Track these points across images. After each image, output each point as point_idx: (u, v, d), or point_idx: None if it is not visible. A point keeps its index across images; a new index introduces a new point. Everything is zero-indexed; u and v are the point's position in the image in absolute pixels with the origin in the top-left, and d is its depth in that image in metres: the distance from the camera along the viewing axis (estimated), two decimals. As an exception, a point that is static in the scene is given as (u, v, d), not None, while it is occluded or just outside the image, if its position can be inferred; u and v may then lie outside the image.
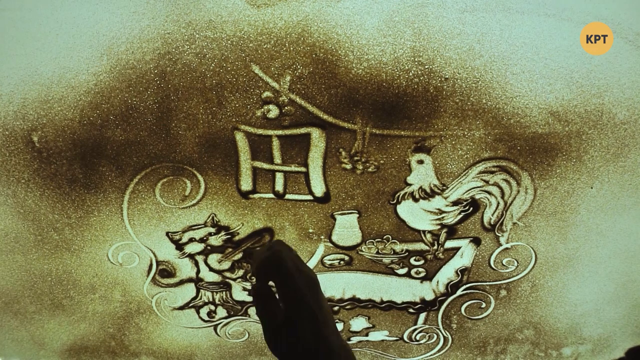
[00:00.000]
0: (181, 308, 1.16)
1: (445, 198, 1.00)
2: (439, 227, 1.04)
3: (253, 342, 1.23)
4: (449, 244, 1.06)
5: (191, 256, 1.08)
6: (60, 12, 0.83)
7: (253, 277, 0.58)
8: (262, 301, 0.55)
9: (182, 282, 1.12)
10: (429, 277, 1.11)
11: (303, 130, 0.92)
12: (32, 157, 0.95)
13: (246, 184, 0.98)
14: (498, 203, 1.00)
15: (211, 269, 1.10)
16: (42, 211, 1.01)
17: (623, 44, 0.85)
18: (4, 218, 1.02)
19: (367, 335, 1.21)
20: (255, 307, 0.56)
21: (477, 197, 1.00)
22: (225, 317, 1.18)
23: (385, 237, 1.05)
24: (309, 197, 1.00)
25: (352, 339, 1.22)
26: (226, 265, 1.10)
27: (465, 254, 1.07)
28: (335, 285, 1.12)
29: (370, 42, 0.85)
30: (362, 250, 1.07)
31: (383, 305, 1.15)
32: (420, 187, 0.98)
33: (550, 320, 1.18)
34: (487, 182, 0.98)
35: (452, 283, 1.12)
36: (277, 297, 0.55)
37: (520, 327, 1.19)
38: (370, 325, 1.19)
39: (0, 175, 0.97)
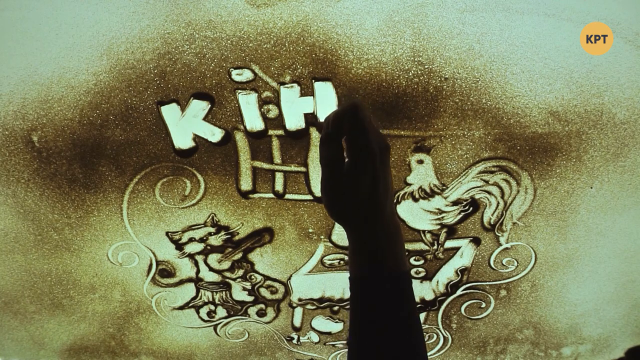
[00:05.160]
0: (181, 308, 1.16)
1: (445, 198, 1.00)
2: (438, 226, 1.04)
3: (253, 342, 1.23)
4: (449, 243, 1.06)
5: (191, 256, 1.08)
6: (60, 12, 0.83)
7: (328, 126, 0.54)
8: (331, 147, 0.52)
9: (181, 282, 1.12)
10: (428, 277, 1.11)
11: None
12: (32, 157, 0.95)
13: (246, 184, 0.98)
14: (498, 203, 1.00)
15: (211, 269, 1.10)
16: (41, 211, 1.01)
17: (623, 44, 0.85)
18: (4, 218, 1.02)
19: (367, 335, 1.21)
20: (321, 153, 0.53)
21: (477, 197, 1.00)
22: (225, 317, 1.18)
23: (385, 237, 1.05)
24: (309, 197, 1.00)
25: (352, 339, 1.22)
26: (226, 265, 1.10)
27: (465, 254, 1.07)
28: (335, 285, 1.12)
29: (370, 42, 0.85)
30: (362, 250, 1.07)
31: (383, 305, 1.15)
32: (420, 187, 0.98)
33: (550, 320, 1.18)
34: (487, 182, 0.98)
35: (452, 283, 1.12)
36: (346, 149, 0.52)
37: (520, 327, 1.19)
38: (370, 325, 1.19)
39: (0, 175, 0.97)
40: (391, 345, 0.49)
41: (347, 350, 0.55)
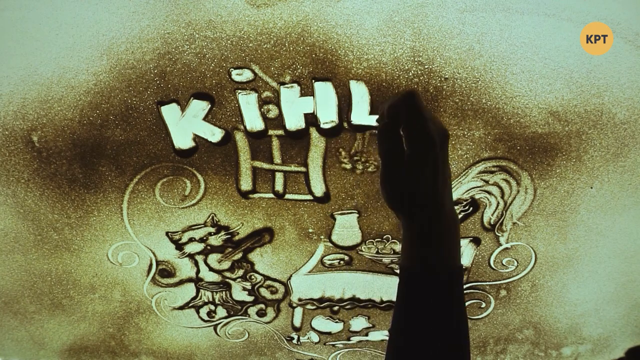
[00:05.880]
0: (181, 308, 1.16)
1: (445, 198, 1.00)
2: (438, 227, 1.03)
3: (253, 342, 1.23)
4: (449, 244, 1.06)
5: (191, 256, 1.08)
6: (60, 12, 0.83)
7: (383, 117, 0.53)
8: (388, 138, 0.50)
9: (181, 282, 1.12)
10: (428, 277, 1.11)
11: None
12: (32, 157, 0.95)
13: (246, 184, 0.98)
14: (498, 203, 1.00)
15: (211, 269, 1.10)
16: (41, 211, 1.01)
17: (623, 44, 0.85)
18: (4, 218, 1.02)
19: (367, 335, 1.21)
20: (379, 145, 0.51)
21: (477, 197, 1.00)
22: (225, 317, 1.18)
23: (385, 236, 1.05)
24: (309, 197, 1.00)
25: (352, 338, 1.22)
26: (226, 265, 1.10)
27: (465, 254, 1.07)
28: (335, 285, 1.12)
29: (370, 42, 0.85)
30: (362, 250, 1.07)
31: (383, 305, 1.15)
32: (420, 187, 0.98)
33: (550, 320, 1.18)
34: (487, 182, 0.98)
35: (452, 283, 1.11)
36: (404, 139, 0.50)
37: (520, 327, 1.19)
38: (370, 325, 1.19)
39: (0, 175, 0.97)
40: (436, 340, 0.47)
41: (387, 339, 0.53)
